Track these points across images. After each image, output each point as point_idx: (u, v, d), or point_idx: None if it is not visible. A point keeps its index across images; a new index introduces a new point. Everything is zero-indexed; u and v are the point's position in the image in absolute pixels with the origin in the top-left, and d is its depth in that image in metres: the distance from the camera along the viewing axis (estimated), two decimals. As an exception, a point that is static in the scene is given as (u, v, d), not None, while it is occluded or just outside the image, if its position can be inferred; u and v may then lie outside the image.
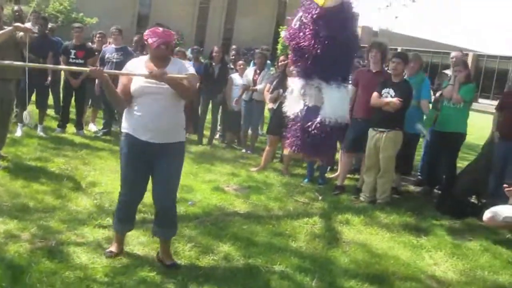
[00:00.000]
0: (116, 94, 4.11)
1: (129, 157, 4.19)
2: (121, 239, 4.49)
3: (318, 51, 5.59)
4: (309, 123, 5.90)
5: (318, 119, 5.90)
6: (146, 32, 4.18)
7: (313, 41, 5.60)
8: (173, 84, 4.00)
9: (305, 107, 6.02)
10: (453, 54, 8.25)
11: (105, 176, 6.69)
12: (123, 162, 4.25)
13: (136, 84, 4.08)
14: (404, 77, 7.05)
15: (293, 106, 6.18)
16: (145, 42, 4.23)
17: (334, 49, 5.64)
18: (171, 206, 4.32)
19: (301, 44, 5.70)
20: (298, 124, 6.03)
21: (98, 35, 10.00)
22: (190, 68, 4.29)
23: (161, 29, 4.15)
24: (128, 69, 4.22)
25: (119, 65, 8.86)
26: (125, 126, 4.20)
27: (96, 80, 8.92)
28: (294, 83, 6.20)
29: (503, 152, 6.74)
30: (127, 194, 4.33)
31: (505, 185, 5.87)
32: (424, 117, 7.44)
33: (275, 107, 7.92)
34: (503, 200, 5.95)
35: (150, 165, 4.19)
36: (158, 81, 3.97)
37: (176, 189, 4.33)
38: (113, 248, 4.43)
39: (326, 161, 7.21)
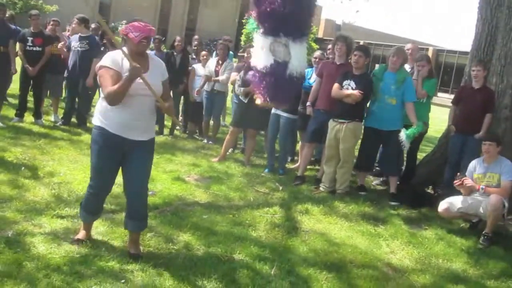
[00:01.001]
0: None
1: (102, 150, 4.15)
2: (88, 227, 4.50)
3: (286, 10, 5.99)
4: (279, 75, 6.35)
5: (288, 72, 6.34)
6: (125, 27, 4.09)
7: (279, 1, 5.99)
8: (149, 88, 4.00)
9: (275, 62, 6.33)
10: (408, 46, 8.35)
11: (64, 166, 6.60)
12: (95, 154, 4.20)
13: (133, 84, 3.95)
14: (368, 71, 7.14)
15: (262, 60, 6.41)
16: (124, 37, 4.10)
17: (297, 7, 6.07)
18: (143, 196, 4.33)
19: (269, 7, 6.05)
20: (269, 77, 6.37)
21: (51, 22, 9.73)
22: (164, 72, 4.31)
23: (142, 23, 4.07)
24: (114, 62, 4.02)
25: (84, 54, 8.78)
26: (103, 121, 4.10)
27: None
28: (264, 41, 6.38)
29: (458, 145, 6.91)
30: (97, 186, 4.31)
31: (456, 181, 6.03)
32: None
33: (245, 101, 7.92)
34: (457, 191, 6.12)
35: (121, 158, 4.19)
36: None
37: (147, 180, 4.36)
38: (80, 235, 4.43)
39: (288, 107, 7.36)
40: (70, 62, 8.88)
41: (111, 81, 3.93)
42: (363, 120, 6.98)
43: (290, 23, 6.16)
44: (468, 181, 5.96)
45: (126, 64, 3.94)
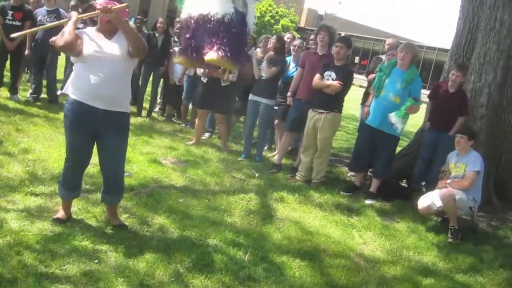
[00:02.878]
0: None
1: (75, 124, 4.18)
2: (68, 206, 4.49)
3: None
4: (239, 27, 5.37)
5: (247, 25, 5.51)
6: (98, 4, 4.13)
7: None
8: (125, 29, 4.15)
9: (235, 11, 5.31)
10: (388, 40, 8.43)
11: (39, 143, 6.52)
12: (69, 129, 4.22)
13: (90, 48, 4.11)
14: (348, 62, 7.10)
15: (221, 8, 5.28)
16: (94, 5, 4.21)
17: None
18: (119, 172, 4.44)
19: None
20: (228, 27, 5.25)
21: None
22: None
23: (116, 4, 4.12)
24: (85, 36, 4.20)
25: (52, 28, 8.60)
26: (73, 91, 4.18)
27: (27, 43, 8.64)
28: None
29: (431, 140, 6.98)
30: (73, 161, 4.32)
31: (442, 181, 6.10)
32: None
33: (204, 81, 7.90)
34: (429, 185, 6.20)
35: (96, 133, 4.20)
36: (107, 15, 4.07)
37: (122, 157, 4.43)
38: (59, 214, 4.43)
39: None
40: (38, 36, 8.70)
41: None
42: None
43: None
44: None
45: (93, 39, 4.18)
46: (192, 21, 5.31)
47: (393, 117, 6.41)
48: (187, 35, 5.40)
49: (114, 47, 4.17)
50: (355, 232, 5.54)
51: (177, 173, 6.36)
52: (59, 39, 4.08)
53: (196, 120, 8.22)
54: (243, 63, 5.83)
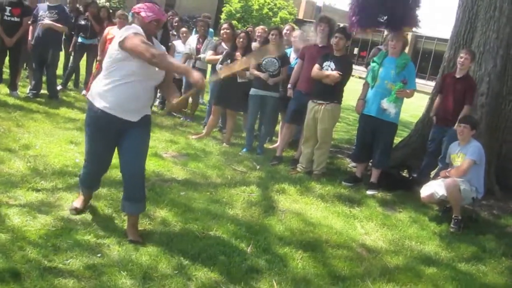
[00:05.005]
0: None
1: (96, 134, 4.15)
2: (87, 197, 4.58)
3: None
4: None
5: None
6: (139, 5, 4.09)
7: None
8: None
9: None
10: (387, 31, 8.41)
11: (40, 139, 6.51)
12: (90, 135, 4.19)
13: (137, 64, 3.89)
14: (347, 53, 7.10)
15: None
16: (135, 14, 4.10)
17: None
18: (140, 175, 4.23)
19: None
20: None
21: None
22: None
23: (157, 6, 4.10)
24: (134, 33, 3.90)
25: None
26: (103, 103, 4.00)
27: (29, 39, 8.64)
28: None
29: (438, 136, 6.93)
30: (93, 166, 4.35)
31: (443, 171, 6.13)
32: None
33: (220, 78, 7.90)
34: (436, 177, 6.22)
35: (117, 138, 4.14)
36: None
37: (145, 159, 4.28)
38: (78, 204, 4.51)
39: None
40: (38, 32, 8.65)
41: (149, 45, 3.84)
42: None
43: None
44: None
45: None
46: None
47: (385, 102, 6.56)
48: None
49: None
50: (357, 222, 5.55)
51: (178, 167, 6.36)
52: (160, 63, 3.83)
53: (211, 116, 8.19)
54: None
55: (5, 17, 8.40)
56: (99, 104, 4.01)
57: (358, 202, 6.18)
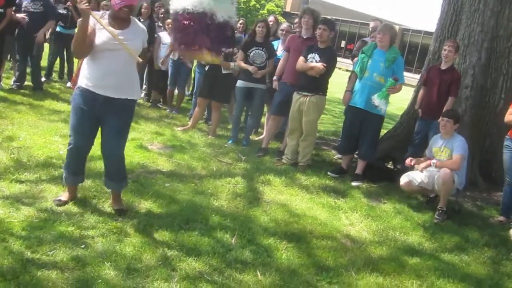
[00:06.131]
0: (86, 39, 4.09)
1: (78, 108, 4.29)
2: (73, 189, 4.62)
3: None
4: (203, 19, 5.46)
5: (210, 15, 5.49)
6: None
7: None
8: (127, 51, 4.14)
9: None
10: (372, 24, 8.44)
11: (24, 130, 6.45)
12: (73, 112, 4.34)
13: (101, 38, 4.15)
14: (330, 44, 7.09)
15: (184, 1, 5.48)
16: (107, 2, 4.20)
17: None
18: (120, 157, 4.50)
19: None
20: (191, 20, 5.42)
21: None
22: (144, 35, 4.44)
23: None
24: (98, 26, 4.18)
25: (38, 15, 8.54)
26: (80, 79, 4.30)
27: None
28: None
29: (423, 129, 6.96)
30: (76, 142, 4.39)
31: (408, 160, 6.22)
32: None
33: (206, 69, 7.92)
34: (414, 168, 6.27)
35: (100, 117, 4.31)
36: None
37: (124, 142, 4.51)
38: (62, 197, 4.55)
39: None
40: (22, 23, 8.50)
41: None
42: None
43: None
44: (419, 166, 6.15)
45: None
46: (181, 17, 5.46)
47: (376, 99, 6.54)
48: (178, 29, 5.52)
49: (127, 39, 4.17)
50: (342, 213, 5.57)
51: (163, 158, 6.34)
52: (74, 47, 4.16)
53: (196, 108, 8.18)
54: (223, 50, 6.01)
55: (-12, 8, 8.28)
56: (81, 82, 4.29)
57: (343, 193, 6.21)
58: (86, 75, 4.27)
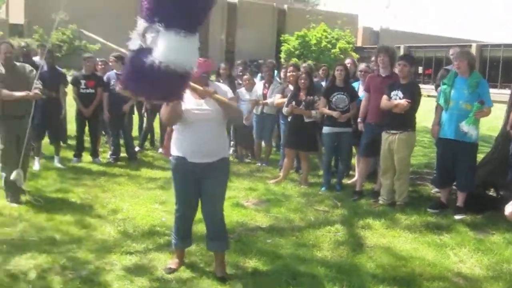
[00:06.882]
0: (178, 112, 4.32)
1: (177, 176, 4.54)
2: (180, 254, 4.79)
3: None
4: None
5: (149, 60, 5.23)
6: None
7: None
8: (223, 104, 4.35)
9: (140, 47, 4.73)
10: (451, 50, 8.30)
11: (126, 202, 6.76)
12: (175, 181, 4.59)
13: (187, 109, 4.36)
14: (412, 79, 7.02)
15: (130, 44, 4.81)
16: None
17: None
18: (221, 217, 4.63)
19: None
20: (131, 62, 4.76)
21: (100, 63, 10.06)
22: (229, 92, 4.64)
23: (202, 59, 4.37)
24: None
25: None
26: (175, 150, 4.51)
27: (104, 108, 9.05)
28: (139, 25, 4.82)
29: None
30: (182, 208, 4.61)
31: None
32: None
33: (289, 120, 8.07)
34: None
35: (199, 182, 4.48)
36: (205, 98, 4.35)
37: (222, 203, 4.64)
38: (172, 265, 4.72)
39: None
40: (111, 99, 9.08)
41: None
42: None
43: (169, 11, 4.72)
44: None
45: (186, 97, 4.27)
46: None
47: (464, 126, 6.37)
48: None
49: (209, 107, 4.38)
50: (449, 250, 5.40)
51: (260, 214, 6.44)
52: (165, 118, 4.38)
53: (285, 159, 8.30)
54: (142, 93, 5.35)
55: (81, 90, 8.89)
56: (176, 151, 4.49)
57: (447, 229, 6.03)
58: (179, 144, 4.47)
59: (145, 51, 4.63)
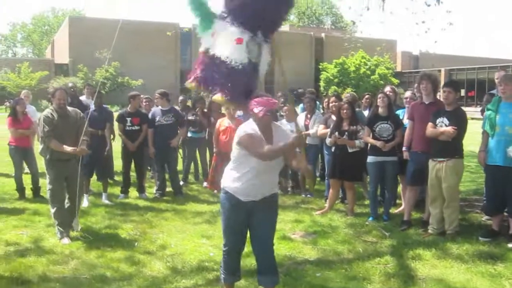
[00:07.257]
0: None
1: (228, 213, 4.54)
2: None
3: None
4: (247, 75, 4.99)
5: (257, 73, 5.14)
6: (251, 102, 4.44)
7: None
8: (294, 156, 4.50)
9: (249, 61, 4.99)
10: (496, 74, 8.20)
11: (173, 237, 6.83)
12: (223, 217, 4.61)
13: (256, 160, 4.35)
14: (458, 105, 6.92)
15: (235, 55, 4.96)
16: (250, 112, 4.46)
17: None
18: (269, 250, 4.60)
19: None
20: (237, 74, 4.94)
21: (144, 100, 10.32)
22: (291, 133, 4.74)
23: (265, 97, 4.44)
24: (254, 130, 4.40)
25: (171, 126, 9.26)
26: (229, 185, 4.51)
27: (149, 144, 9.22)
28: (234, 33, 5.04)
29: None
30: (230, 243, 4.63)
31: None
32: None
33: (332, 150, 8.06)
34: None
35: (248, 216, 4.50)
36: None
37: (273, 237, 4.63)
38: None
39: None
40: (157, 136, 9.30)
41: (261, 143, 4.31)
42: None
43: (266, 18, 5.00)
44: None
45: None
46: (207, 57, 5.07)
47: (511, 151, 6.25)
48: (200, 68, 5.12)
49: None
50: (505, 280, 5.25)
51: (308, 247, 6.40)
52: (271, 157, 4.32)
53: (330, 190, 8.27)
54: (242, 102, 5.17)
55: (127, 127, 9.11)
56: (229, 188, 4.49)
57: (501, 258, 5.86)
58: (233, 181, 4.48)
59: (251, 65, 4.95)
